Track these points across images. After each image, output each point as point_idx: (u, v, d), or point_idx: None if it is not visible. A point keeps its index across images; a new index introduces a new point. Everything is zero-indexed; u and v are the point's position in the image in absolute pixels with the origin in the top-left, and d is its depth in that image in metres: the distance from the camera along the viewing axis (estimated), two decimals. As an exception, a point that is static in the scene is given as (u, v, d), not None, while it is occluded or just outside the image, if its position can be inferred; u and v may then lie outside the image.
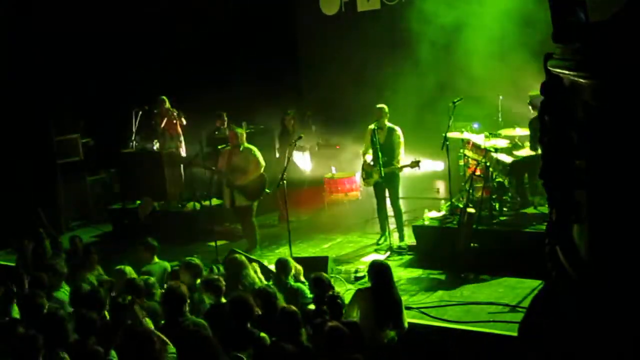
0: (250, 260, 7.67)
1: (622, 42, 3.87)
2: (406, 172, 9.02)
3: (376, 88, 11.16)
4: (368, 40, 12.01)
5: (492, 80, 10.23)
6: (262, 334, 5.24)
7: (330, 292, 5.96)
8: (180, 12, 12.67)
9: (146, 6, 12.41)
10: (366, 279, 6.57)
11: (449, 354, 6.09)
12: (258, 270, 7.13)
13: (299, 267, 7.04)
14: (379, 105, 8.94)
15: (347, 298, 6.29)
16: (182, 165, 11.39)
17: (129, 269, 7.02)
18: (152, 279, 6.77)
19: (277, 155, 11.83)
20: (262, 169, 9.21)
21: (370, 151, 8.96)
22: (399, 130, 8.87)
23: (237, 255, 7.27)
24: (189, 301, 5.81)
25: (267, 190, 9.26)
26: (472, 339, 6.15)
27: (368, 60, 11.84)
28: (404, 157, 8.83)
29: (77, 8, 11.59)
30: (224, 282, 6.23)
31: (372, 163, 8.95)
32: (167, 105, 11.31)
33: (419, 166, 8.67)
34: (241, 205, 9.28)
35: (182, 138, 11.50)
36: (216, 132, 11.55)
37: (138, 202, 10.83)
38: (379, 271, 6.12)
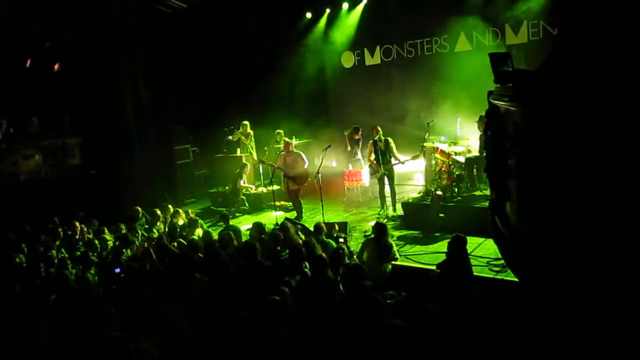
0: (297, 225, 7.70)
1: (539, 85, 3.81)
2: (403, 166, 8.92)
3: (377, 114, 11.07)
4: (372, 83, 11.93)
5: (454, 108, 10.06)
6: (307, 270, 5.28)
7: (335, 245, 6.05)
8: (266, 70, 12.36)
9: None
10: (372, 234, 6.58)
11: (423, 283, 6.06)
12: (294, 231, 7.01)
13: (337, 227, 7.13)
14: (377, 126, 8.92)
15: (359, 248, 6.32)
16: (254, 165, 11.48)
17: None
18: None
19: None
20: (306, 166, 9.23)
21: (373, 155, 8.91)
22: (391, 141, 8.83)
23: (286, 222, 7.31)
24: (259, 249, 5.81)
25: (309, 179, 9.29)
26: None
27: (372, 95, 11.75)
28: (399, 156, 8.77)
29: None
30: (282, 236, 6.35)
31: (375, 162, 8.89)
32: (248, 126, 11.42)
33: (419, 158, 8.67)
34: (293, 188, 9.31)
35: (254, 146, 11.60)
36: (276, 143, 11.57)
37: (227, 187, 10.98)
38: (380, 228, 6.20)
